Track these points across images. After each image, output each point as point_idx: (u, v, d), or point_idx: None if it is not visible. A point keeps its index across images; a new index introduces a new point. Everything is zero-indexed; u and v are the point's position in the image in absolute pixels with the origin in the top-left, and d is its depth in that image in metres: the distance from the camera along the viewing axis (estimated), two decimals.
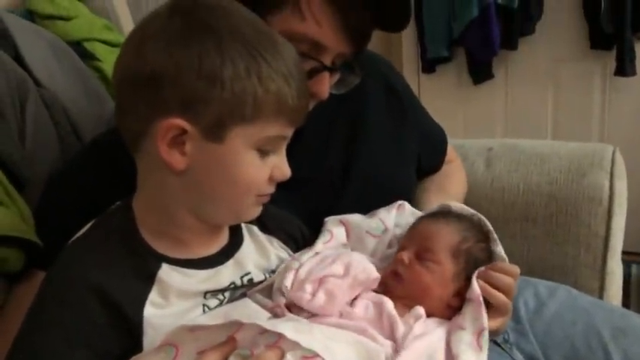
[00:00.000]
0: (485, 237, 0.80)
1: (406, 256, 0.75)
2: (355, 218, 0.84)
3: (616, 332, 0.91)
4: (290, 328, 0.61)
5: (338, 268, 0.71)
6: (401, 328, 0.68)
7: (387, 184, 0.94)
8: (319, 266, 0.72)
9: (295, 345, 0.60)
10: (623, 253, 1.21)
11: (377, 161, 0.95)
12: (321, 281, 0.69)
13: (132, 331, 0.63)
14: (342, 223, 0.83)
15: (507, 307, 0.74)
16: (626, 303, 1.40)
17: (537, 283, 1.03)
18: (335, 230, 0.82)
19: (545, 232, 1.19)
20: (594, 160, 1.19)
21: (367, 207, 0.86)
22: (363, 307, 0.70)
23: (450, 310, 0.73)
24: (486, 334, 0.68)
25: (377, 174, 0.94)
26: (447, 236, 0.76)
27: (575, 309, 0.97)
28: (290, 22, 0.74)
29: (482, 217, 0.81)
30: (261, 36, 0.63)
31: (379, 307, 0.70)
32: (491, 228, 0.81)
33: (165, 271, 0.66)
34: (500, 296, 0.73)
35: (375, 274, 0.72)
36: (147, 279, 0.65)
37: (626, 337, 0.91)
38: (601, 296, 1.15)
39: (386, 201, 0.88)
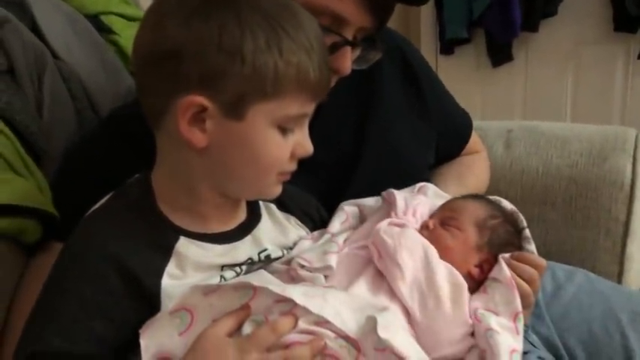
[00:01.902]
0: (515, 228, 0.79)
1: (431, 222, 0.76)
2: (369, 202, 0.84)
3: (634, 317, 0.91)
4: (300, 293, 0.62)
5: (418, 199, 0.81)
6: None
7: (400, 165, 0.93)
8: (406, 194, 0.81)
9: (309, 312, 0.60)
10: None
11: (391, 141, 0.94)
12: (415, 209, 0.78)
13: (150, 302, 0.63)
14: (357, 205, 0.83)
15: (530, 300, 0.73)
16: None
17: (555, 267, 1.02)
18: (349, 210, 0.82)
19: (564, 215, 1.18)
20: (617, 144, 1.18)
21: (381, 189, 0.85)
22: None
23: (472, 280, 0.73)
24: (522, 317, 0.68)
25: (390, 154, 0.93)
26: (473, 210, 0.77)
27: (593, 293, 0.97)
28: None
29: (521, 215, 0.81)
30: (282, 8, 0.62)
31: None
32: (526, 225, 0.80)
33: (183, 244, 0.66)
34: (524, 285, 0.72)
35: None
36: (165, 251, 0.65)
37: None
38: (620, 281, 1.14)
39: (400, 183, 0.87)
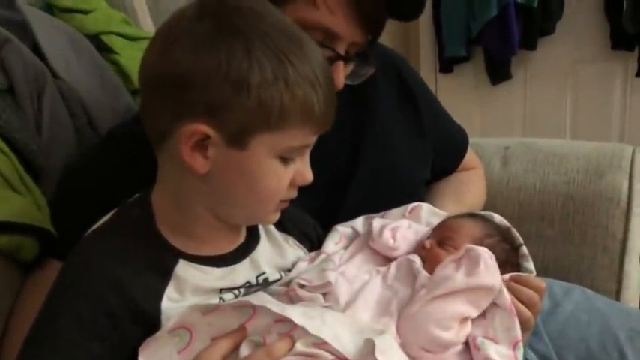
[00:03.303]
0: (512, 245, 0.79)
1: (428, 242, 0.76)
2: (358, 223, 0.84)
3: (632, 334, 0.90)
4: (299, 313, 0.62)
5: (402, 223, 0.81)
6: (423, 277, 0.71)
7: (396, 181, 0.93)
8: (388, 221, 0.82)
9: (307, 333, 0.60)
10: None
11: (387, 158, 0.94)
12: (394, 230, 0.78)
13: (150, 324, 0.63)
14: (350, 226, 0.84)
15: (530, 324, 0.73)
16: None
17: (552, 283, 1.02)
18: (343, 230, 0.82)
19: (561, 232, 1.18)
20: (613, 161, 1.18)
21: (375, 206, 0.86)
22: (395, 266, 0.74)
23: None
24: (521, 345, 0.67)
25: (386, 171, 0.93)
26: (470, 229, 0.78)
27: (590, 310, 0.96)
28: (303, 10, 0.73)
29: (516, 232, 0.81)
30: (289, 40, 0.62)
31: (409, 263, 0.74)
32: (522, 242, 0.80)
33: (182, 267, 0.66)
34: (524, 310, 0.71)
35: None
36: (164, 274, 0.65)
37: None
38: (617, 298, 1.14)
39: (396, 199, 0.87)
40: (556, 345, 0.92)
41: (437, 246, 0.76)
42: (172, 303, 0.64)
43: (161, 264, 0.65)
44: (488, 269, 0.69)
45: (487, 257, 0.70)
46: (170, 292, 0.65)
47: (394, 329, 0.67)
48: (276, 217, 0.70)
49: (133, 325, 0.63)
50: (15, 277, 0.80)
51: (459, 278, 0.67)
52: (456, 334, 0.67)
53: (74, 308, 0.62)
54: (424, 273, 0.71)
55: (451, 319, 0.67)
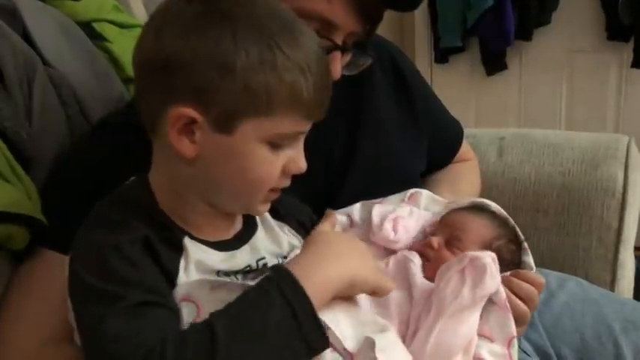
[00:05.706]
0: (517, 244, 0.79)
1: (436, 241, 0.75)
2: (355, 211, 0.84)
3: (627, 325, 0.91)
4: None
5: (403, 211, 0.80)
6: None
7: (391, 171, 0.93)
8: (388, 209, 0.81)
9: None
10: (636, 248, 1.20)
11: (382, 148, 0.94)
12: (395, 220, 0.77)
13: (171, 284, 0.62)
14: (346, 214, 0.83)
15: (526, 318, 0.73)
16: (637, 299, 1.38)
17: (547, 274, 1.02)
18: (341, 220, 0.82)
19: (557, 223, 1.18)
20: (608, 151, 1.18)
21: (371, 195, 0.85)
22: (394, 263, 0.74)
23: None
24: (516, 343, 0.68)
25: (380, 161, 0.93)
26: (480, 229, 0.77)
27: (585, 301, 0.97)
28: None
29: (515, 225, 0.81)
30: (280, 26, 0.62)
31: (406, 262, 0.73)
32: (523, 237, 0.80)
33: (189, 243, 0.65)
34: (521, 305, 0.71)
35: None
36: (176, 247, 0.64)
37: (637, 330, 0.90)
38: (612, 289, 1.15)
39: (391, 189, 0.87)
40: (551, 335, 0.92)
41: (444, 247, 0.75)
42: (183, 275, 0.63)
43: (172, 238, 0.64)
44: (492, 277, 0.68)
45: (492, 265, 0.69)
46: (182, 264, 0.64)
47: (395, 331, 0.66)
48: (266, 208, 0.69)
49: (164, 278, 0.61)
50: (5, 267, 0.79)
51: (466, 294, 0.67)
52: (467, 352, 0.67)
53: (116, 248, 0.59)
54: (419, 278, 0.70)
55: (465, 342, 0.66)
